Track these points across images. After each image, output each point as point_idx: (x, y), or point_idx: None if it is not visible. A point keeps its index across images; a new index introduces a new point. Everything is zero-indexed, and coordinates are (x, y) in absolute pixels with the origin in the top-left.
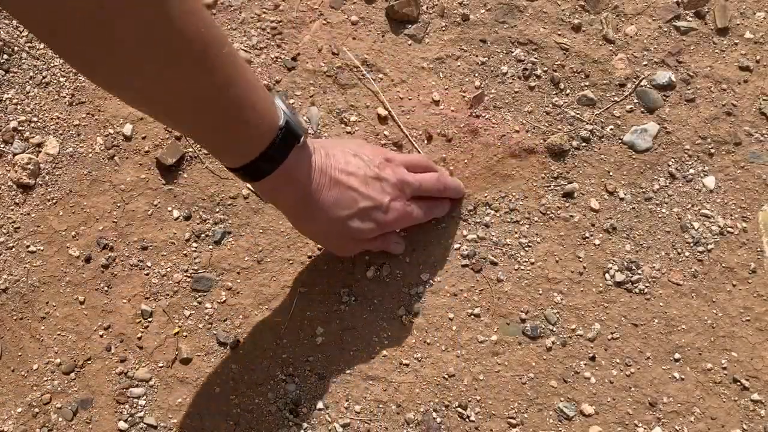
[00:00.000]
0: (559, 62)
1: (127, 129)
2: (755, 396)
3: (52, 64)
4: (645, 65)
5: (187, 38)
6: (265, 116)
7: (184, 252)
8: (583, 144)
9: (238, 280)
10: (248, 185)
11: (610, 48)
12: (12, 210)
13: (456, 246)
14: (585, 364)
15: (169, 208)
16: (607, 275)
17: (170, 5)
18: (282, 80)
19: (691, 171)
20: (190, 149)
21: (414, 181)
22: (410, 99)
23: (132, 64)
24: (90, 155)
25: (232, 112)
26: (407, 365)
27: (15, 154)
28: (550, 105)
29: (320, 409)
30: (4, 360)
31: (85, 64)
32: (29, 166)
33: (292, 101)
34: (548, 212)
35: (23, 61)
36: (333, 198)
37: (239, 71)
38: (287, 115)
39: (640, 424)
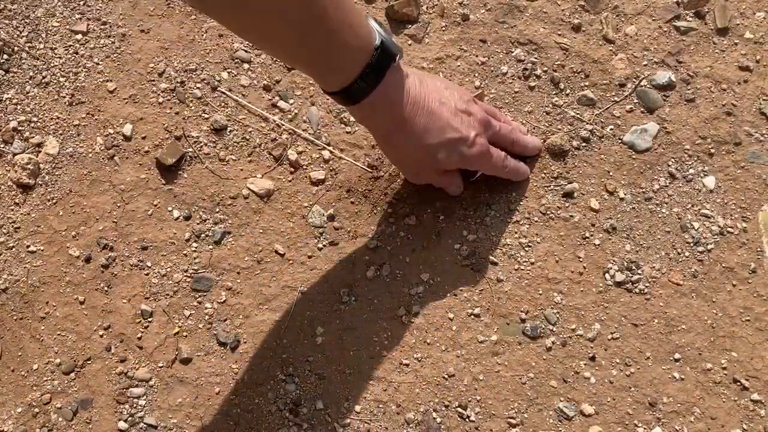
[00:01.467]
0: (559, 62)
1: (127, 129)
2: (755, 396)
3: (52, 64)
4: (645, 65)
5: None
6: (363, 36)
7: (184, 252)
8: (583, 144)
9: (238, 280)
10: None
11: (610, 48)
12: (12, 210)
13: (456, 246)
14: (585, 364)
15: (169, 208)
16: (607, 275)
17: None
18: (282, 80)
19: (691, 171)
20: (190, 149)
21: (495, 124)
22: None
23: None
24: (90, 155)
25: (332, 33)
26: (407, 365)
27: (15, 154)
28: (550, 105)
29: (320, 409)
30: (4, 360)
31: None
32: (29, 166)
33: (292, 101)
34: (548, 212)
35: (23, 61)
36: (424, 124)
37: None
38: (382, 35)
39: (640, 424)
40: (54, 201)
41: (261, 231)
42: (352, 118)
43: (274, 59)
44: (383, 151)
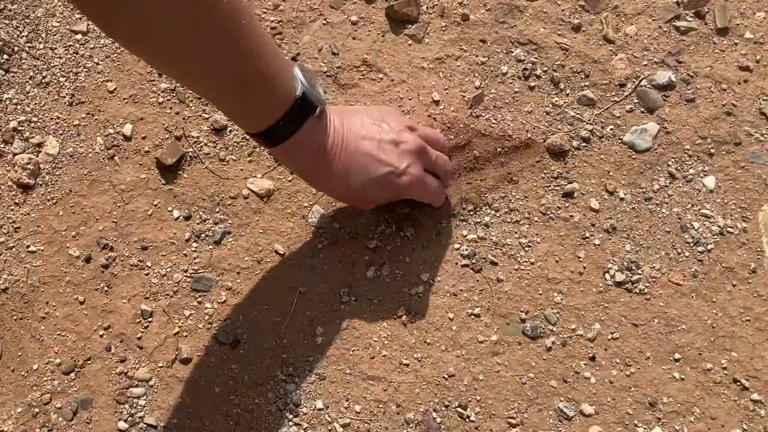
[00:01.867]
0: (559, 62)
1: (127, 129)
2: (755, 396)
3: (52, 64)
4: (645, 65)
5: (213, 6)
6: (283, 87)
7: (184, 252)
8: (583, 144)
9: (238, 280)
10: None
11: (610, 48)
12: (12, 210)
13: (456, 246)
14: (585, 364)
15: (169, 208)
16: (607, 275)
17: None
18: None
19: (691, 171)
20: (190, 149)
21: (431, 152)
22: (410, 99)
23: (156, 27)
24: (90, 155)
25: (251, 80)
26: (407, 365)
27: (15, 154)
28: (550, 105)
29: (320, 409)
30: (4, 360)
31: (107, 22)
32: (29, 166)
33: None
34: (548, 212)
35: (23, 61)
36: (347, 165)
37: (260, 42)
38: (305, 86)
39: (640, 424)
40: (54, 201)
41: (261, 231)
42: None
43: None
44: (320, 191)
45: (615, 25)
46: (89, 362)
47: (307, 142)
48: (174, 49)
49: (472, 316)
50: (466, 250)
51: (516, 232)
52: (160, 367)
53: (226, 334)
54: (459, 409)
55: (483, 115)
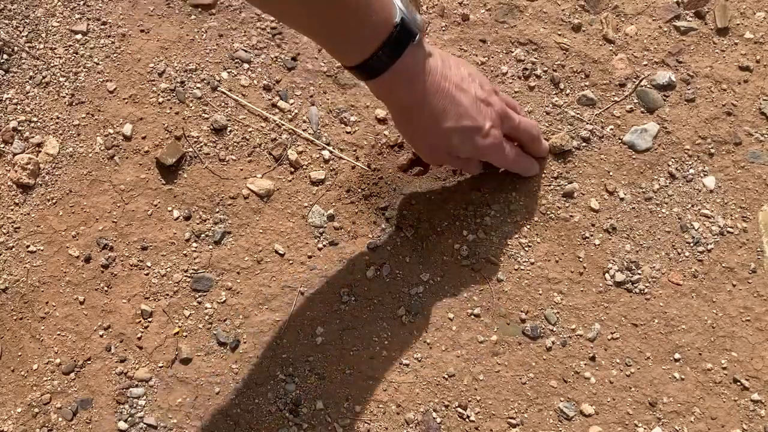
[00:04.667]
0: (559, 62)
1: (127, 129)
2: (755, 396)
3: (52, 64)
4: (645, 65)
5: None
6: (381, 13)
7: (184, 252)
8: (583, 144)
9: (238, 280)
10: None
11: (610, 48)
12: (12, 210)
13: (456, 246)
14: (585, 364)
15: (169, 208)
16: (607, 275)
17: None
18: (282, 80)
19: (691, 171)
20: (190, 149)
21: (514, 117)
22: None
23: None
24: (90, 155)
25: (350, 8)
26: (407, 365)
27: (15, 154)
28: (550, 105)
29: (320, 409)
30: (4, 360)
31: None
32: (29, 166)
33: (292, 101)
34: (548, 212)
35: (23, 61)
36: (441, 107)
37: None
38: (403, 12)
39: (640, 424)
40: (54, 201)
41: (261, 231)
42: (352, 118)
43: (274, 59)
44: (398, 128)
45: (615, 25)
46: (89, 362)
47: (408, 72)
48: None
49: (472, 316)
50: (466, 250)
51: (516, 232)
52: (160, 367)
53: (226, 334)
54: (459, 409)
55: None
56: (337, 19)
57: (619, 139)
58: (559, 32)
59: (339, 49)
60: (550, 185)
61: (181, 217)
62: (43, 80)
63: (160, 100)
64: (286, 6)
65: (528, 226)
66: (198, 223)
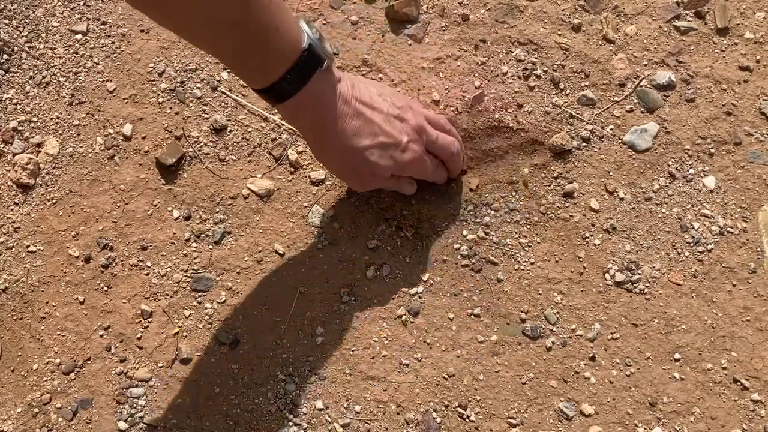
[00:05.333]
0: (559, 62)
1: (127, 129)
2: (755, 396)
3: (52, 64)
4: (645, 65)
5: None
6: (289, 39)
7: (184, 252)
8: (583, 144)
9: (238, 280)
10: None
11: (610, 48)
12: (12, 210)
13: (456, 246)
14: (585, 364)
15: (169, 208)
16: (607, 275)
17: None
18: None
19: (691, 171)
20: (190, 149)
21: (432, 132)
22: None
23: None
24: (90, 155)
25: (257, 33)
26: (407, 365)
27: (15, 154)
28: (550, 105)
29: (320, 409)
30: (4, 360)
31: None
32: (29, 166)
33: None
34: (548, 212)
35: (23, 61)
36: (354, 127)
37: None
38: (311, 38)
39: (640, 424)
40: (54, 201)
41: (261, 231)
42: None
43: None
44: (317, 157)
45: (615, 25)
46: (89, 362)
47: (316, 97)
48: (181, 6)
49: (472, 316)
50: (466, 250)
51: (516, 232)
52: (160, 367)
53: (226, 334)
54: (459, 409)
55: (483, 115)
56: (246, 41)
57: (619, 139)
58: (559, 32)
59: (244, 71)
60: (550, 185)
61: (181, 217)
62: (43, 80)
63: (160, 100)
64: (191, 28)
65: (528, 226)
66: (198, 223)
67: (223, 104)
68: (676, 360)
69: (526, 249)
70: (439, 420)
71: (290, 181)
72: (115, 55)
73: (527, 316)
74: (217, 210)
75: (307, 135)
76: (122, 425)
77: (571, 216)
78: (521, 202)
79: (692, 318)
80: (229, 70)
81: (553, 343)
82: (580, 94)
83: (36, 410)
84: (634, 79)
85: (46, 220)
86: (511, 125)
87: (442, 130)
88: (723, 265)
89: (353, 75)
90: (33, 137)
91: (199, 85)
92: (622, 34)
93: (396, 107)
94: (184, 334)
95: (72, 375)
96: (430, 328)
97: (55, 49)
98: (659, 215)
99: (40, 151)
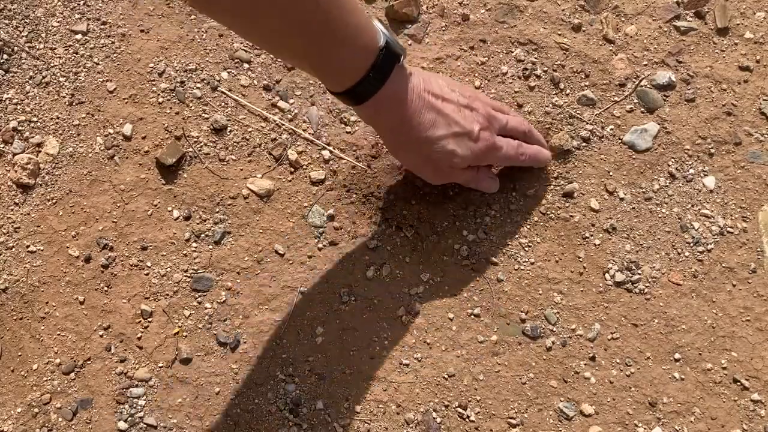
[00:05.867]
0: (559, 62)
1: (127, 129)
2: (755, 396)
3: (52, 64)
4: (645, 65)
5: None
6: (368, 37)
7: (184, 252)
8: (583, 144)
9: (238, 280)
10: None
11: (610, 48)
12: (12, 210)
13: (456, 246)
14: (585, 364)
15: (169, 208)
16: (607, 275)
17: None
18: (282, 80)
19: (691, 171)
20: (190, 149)
21: (501, 117)
22: None
23: None
24: (90, 155)
25: (335, 33)
26: (407, 365)
27: (15, 154)
28: (550, 105)
29: (320, 409)
30: (4, 360)
31: None
32: (29, 166)
33: (292, 101)
34: (548, 212)
35: (23, 61)
36: (429, 120)
37: None
38: (386, 35)
39: (640, 424)
40: (54, 201)
41: (261, 231)
42: (352, 118)
43: (274, 59)
44: (393, 153)
45: (615, 25)
46: (89, 362)
47: (394, 94)
48: (256, 9)
49: (472, 316)
50: (466, 250)
51: (516, 232)
52: (160, 367)
53: (226, 334)
54: (459, 409)
55: None
56: (323, 45)
57: (619, 139)
58: (559, 32)
59: (326, 75)
60: (550, 185)
61: (181, 217)
62: (43, 80)
63: (160, 100)
64: (269, 33)
65: (528, 226)
66: (198, 223)
67: (223, 104)
68: (676, 360)
69: (526, 249)
70: (439, 420)
71: (290, 181)
72: (115, 55)
73: (527, 316)
74: (217, 210)
75: (384, 131)
76: (122, 425)
77: (571, 216)
78: (521, 202)
79: (692, 318)
80: (230, 70)
81: (553, 343)
82: (580, 94)
83: (36, 410)
84: (634, 79)
85: (46, 220)
86: None
87: (509, 115)
88: (723, 265)
89: (421, 69)
90: (33, 137)
91: (199, 85)
92: (622, 34)
93: (465, 98)
94: (184, 334)
95: (72, 375)
96: (430, 328)
97: (55, 49)
98: (659, 215)
99: (40, 151)
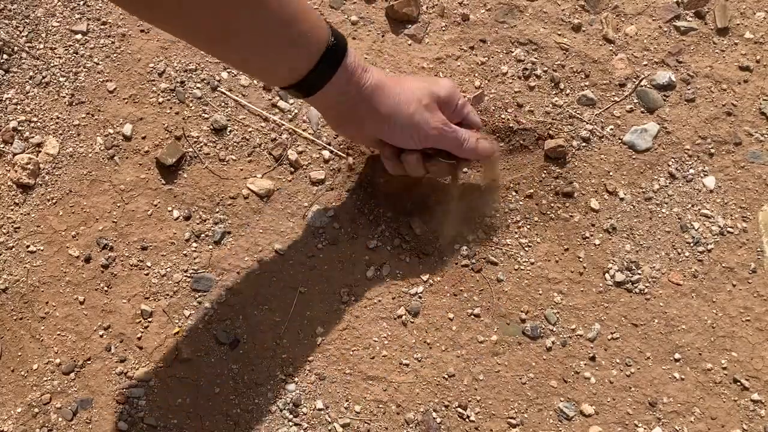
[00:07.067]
0: (559, 62)
1: (127, 129)
2: (755, 396)
3: (52, 64)
4: (645, 65)
5: None
6: (317, 29)
7: (184, 252)
8: (583, 144)
9: (238, 280)
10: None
11: (610, 48)
12: (12, 210)
13: (456, 246)
14: (585, 364)
15: (169, 208)
16: (607, 275)
17: None
18: None
19: (691, 171)
20: (190, 149)
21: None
22: None
23: None
24: (90, 155)
25: (287, 26)
26: (407, 365)
27: (15, 154)
28: (550, 105)
29: (320, 409)
30: (4, 360)
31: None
32: (29, 166)
33: (291, 101)
34: (548, 212)
35: (23, 61)
36: (396, 85)
37: None
38: (331, 28)
39: (640, 424)
40: (54, 201)
41: (261, 231)
42: None
43: None
44: (346, 127)
45: (615, 25)
46: (89, 362)
47: (342, 86)
48: (198, 10)
49: (472, 316)
50: (466, 250)
51: (516, 232)
52: (160, 367)
53: (226, 334)
54: (459, 409)
55: (483, 115)
56: (277, 38)
57: (619, 139)
58: (559, 32)
59: (276, 69)
60: (550, 185)
61: (181, 217)
62: (43, 80)
63: (160, 100)
64: (219, 32)
65: (528, 226)
66: (198, 223)
67: (223, 104)
68: (676, 360)
69: (526, 249)
70: (439, 420)
71: (290, 181)
72: (115, 55)
73: (527, 316)
74: (217, 210)
75: (330, 116)
76: (122, 425)
77: (571, 216)
78: (521, 202)
79: (692, 318)
80: (230, 70)
81: (553, 343)
82: (580, 94)
83: (36, 410)
84: (634, 79)
85: (46, 220)
86: (511, 125)
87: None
88: (723, 265)
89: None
90: (33, 137)
91: (199, 85)
92: (622, 34)
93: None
94: (184, 334)
95: (72, 375)
96: (430, 328)
97: (55, 49)
98: (659, 215)
99: (40, 151)
